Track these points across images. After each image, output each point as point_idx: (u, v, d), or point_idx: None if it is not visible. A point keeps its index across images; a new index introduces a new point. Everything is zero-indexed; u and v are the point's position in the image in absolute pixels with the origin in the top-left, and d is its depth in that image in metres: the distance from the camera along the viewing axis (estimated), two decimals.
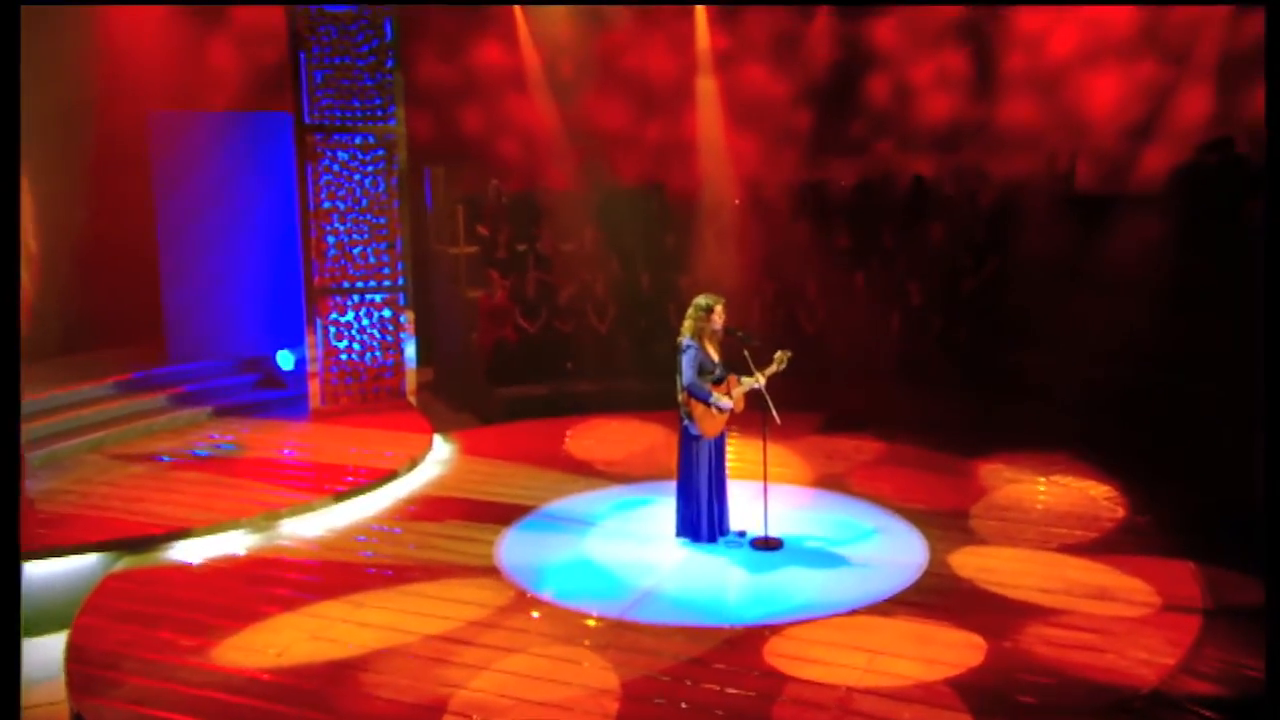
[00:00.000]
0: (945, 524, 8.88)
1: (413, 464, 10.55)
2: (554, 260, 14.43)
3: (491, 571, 8.05)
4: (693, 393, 8.22)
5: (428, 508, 9.55)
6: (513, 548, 8.49)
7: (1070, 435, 10.77)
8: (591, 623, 7.24)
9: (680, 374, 8.25)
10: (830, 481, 10.07)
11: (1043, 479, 10.09)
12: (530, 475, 10.33)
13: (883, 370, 12.50)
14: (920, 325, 12.94)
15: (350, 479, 9.92)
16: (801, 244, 14.09)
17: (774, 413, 8.16)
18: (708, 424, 8.32)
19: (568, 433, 11.91)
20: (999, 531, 8.78)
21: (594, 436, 11.82)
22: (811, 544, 8.45)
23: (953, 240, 13.73)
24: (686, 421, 8.33)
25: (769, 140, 15.58)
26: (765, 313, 13.63)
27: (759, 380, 8.31)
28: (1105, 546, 8.42)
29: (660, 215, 15.13)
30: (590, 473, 10.40)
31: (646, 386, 12.13)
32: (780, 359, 8.38)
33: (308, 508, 9.30)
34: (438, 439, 11.53)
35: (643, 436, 11.55)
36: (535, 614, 7.37)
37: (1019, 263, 12.68)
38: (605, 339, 13.83)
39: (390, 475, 10.15)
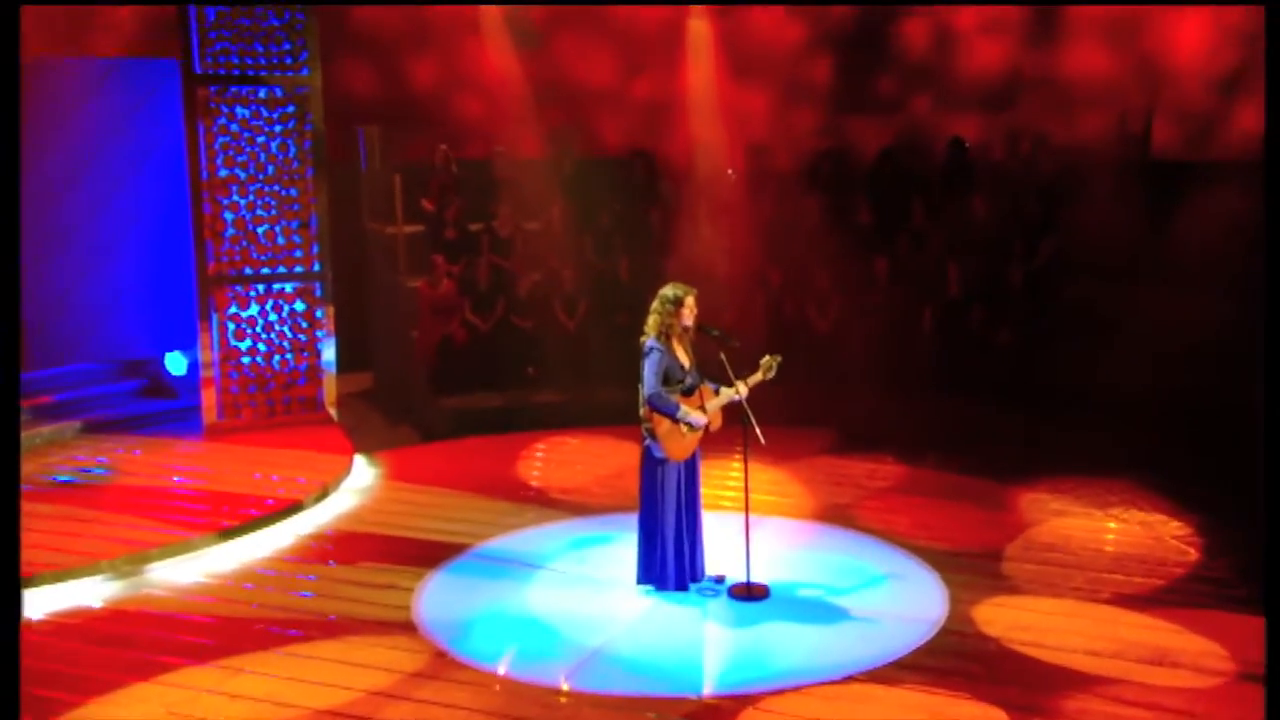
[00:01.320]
0: (972, 567, 8.80)
1: (324, 492, 10.48)
2: (514, 242, 14.38)
3: (407, 628, 7.91)
4: (655, 406, 8.04)
5: (337, 547, 9.47)
6: (436, 597, 8.38)
7: (1135, 458, 10.67)
8: (528, 692, 7.07)
9: (641, 383, 8.07)
10: (835, 514, 10.04)
11: (1098, 512, 10.05)
12: (469, 505, 10.32)
13: (909, 377, 12.48)
14: (957, 322, 12.93)
15: (247, 511, 9.80)
16: (814, 223, 14.06)
17: (757, 430, 8.02)
18: (674, 444, 8.13)
19: (522, 452, 11.94)
20: (1038, 577, 8.67)
21: (555, 457, 11.88)
22: (804, 593, 8.35)
23: (1000, 218, 13.66)
24: (649, 441, 8.17)
25: (778, 97, 15.54)
26: (769, 307, 13.72)
27: (739, 391, 8.14)
28: (1171, 598, 8.34)
29: (644, 188, 15.03)
30: (544, 502, 10.43)
31: (623, 395, 11.87)
32: (767, 365, 8.23)
33: (186, 548, 9.17)
34: (360, 461, 11.54)
35: (614, 457, 11.47)
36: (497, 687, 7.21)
37: (1080, 246, 12.62)
38: (574, 338, 13.73)
39: (294, 506, 10.05)
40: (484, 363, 13.36)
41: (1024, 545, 9.27)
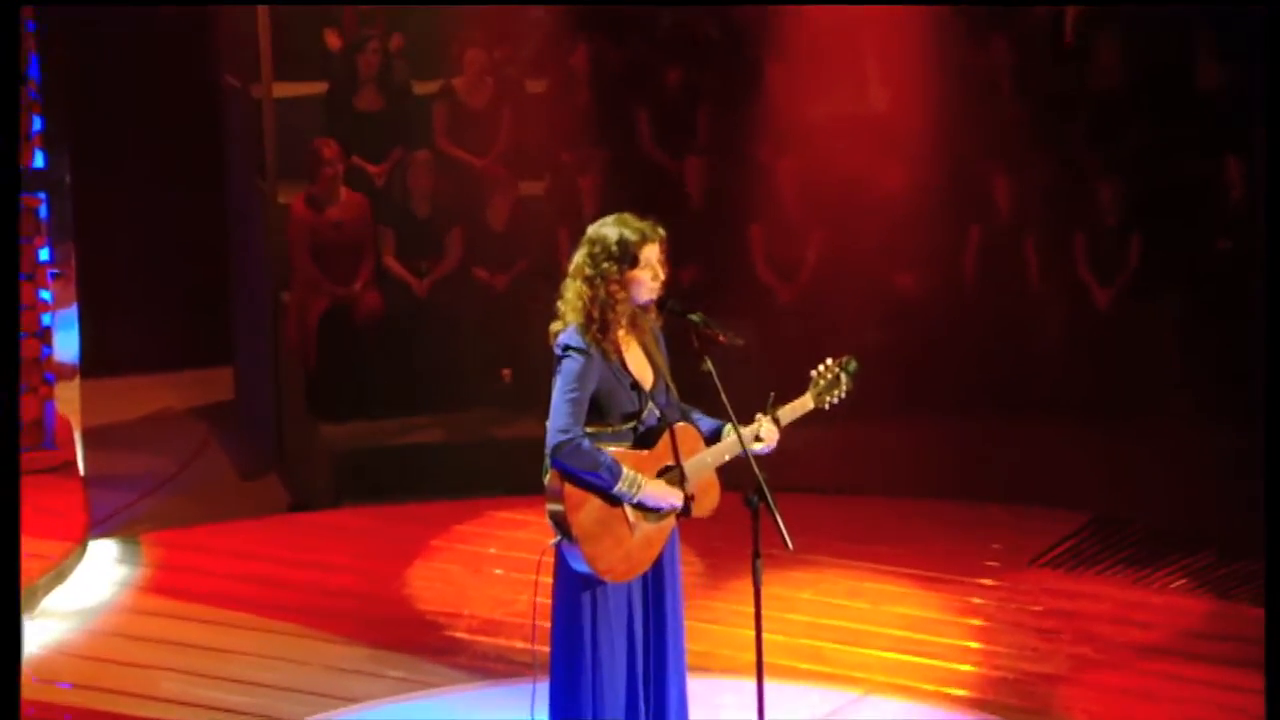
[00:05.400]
0: None
1: None
2: (495, 120, 14.90)
3: None
4: (564, 467, 7.54)
5: None
6: None
7: None
8: None
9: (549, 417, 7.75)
10: (1016, 690, 9.99)
11: None
12: (283, 651, 10.57)
13: (1232, 406, 12.87)
14: None
15: None
16: (1098, 89, 14.68)
17: (778, 520, 7.40)
18: (606, 548, 7.58)
19: (438, 539, 12.44)
20: None
21: (492, 552, 12.22)
22: None
23: None
24: (561, 539, 7.64)
25: None
26: (988, 256, 14.41)
27: (759, 437, 7.65)
28: None
29: (738, 31, 15.23)
30: (432, 648, 10.63)
31: None
32: (826, 379, 7.78)
33: None
34: (105, 551, 12.01)
35: None
36: None
37: None
38: None
39: None
40: (412, 358, 13.83)
41: None
